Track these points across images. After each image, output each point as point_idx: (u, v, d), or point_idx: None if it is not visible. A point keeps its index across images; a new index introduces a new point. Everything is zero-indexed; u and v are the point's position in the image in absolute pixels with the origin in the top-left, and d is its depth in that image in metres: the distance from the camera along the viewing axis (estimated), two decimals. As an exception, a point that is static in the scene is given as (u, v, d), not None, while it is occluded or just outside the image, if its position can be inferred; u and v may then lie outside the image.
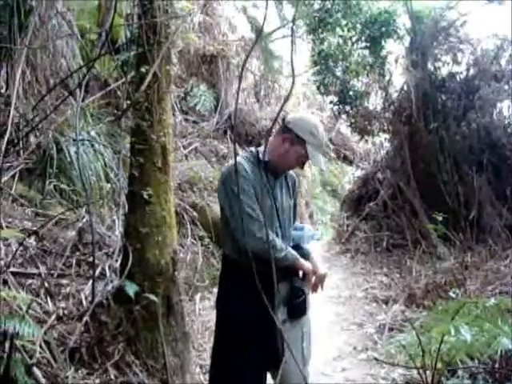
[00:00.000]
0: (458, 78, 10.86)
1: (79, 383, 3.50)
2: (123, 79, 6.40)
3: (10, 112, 4.89)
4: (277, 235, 3.04)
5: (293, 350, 2.94)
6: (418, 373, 4.17)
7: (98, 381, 3.60)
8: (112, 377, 3.72)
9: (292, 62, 2.42)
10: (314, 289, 3.12)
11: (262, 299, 2.91)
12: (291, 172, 3.30)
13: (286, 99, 3.27)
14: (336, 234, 12.69)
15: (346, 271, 9.92)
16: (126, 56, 7.08)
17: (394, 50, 11.66)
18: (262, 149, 3.15)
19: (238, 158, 3.09)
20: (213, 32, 13.18)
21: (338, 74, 12.17)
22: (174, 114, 10.11)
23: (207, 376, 4.82)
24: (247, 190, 2.94)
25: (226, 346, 3.14)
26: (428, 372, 3.88)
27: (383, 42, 11.46)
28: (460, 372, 3.98)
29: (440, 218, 8.34)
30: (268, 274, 2.91)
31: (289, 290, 3.01)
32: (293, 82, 2.50)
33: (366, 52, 11.81)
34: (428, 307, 6.52)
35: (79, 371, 3.61)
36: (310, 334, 3.23)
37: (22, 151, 5.60)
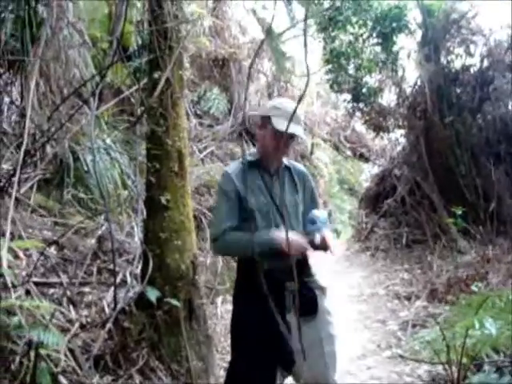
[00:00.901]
0: (471, 70, 10.79)
1: (105, 390, 3.52)
2: (136, 86, 6.43)
3: (25, 123, 4.91)
4: (274, 225, 3.02)
5: (312, 353, 2.94)
6: (444, 368, 4.16)
7: (123, 387, 3.62)
8: (137, 382, 3.73)
9: (306, 61, 2.41)
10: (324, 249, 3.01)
11: (268, 300, 2.94)
12: (298, 167, 3.27)
13: (300, 98, 3.20)
14: (355, 232, 12.67)
15: (366, 269, 9.89)
16: (138, 63, 7.12)
17: (406, 45, 11.60)
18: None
19: (235, 162, 3.18)
20: (223, 35, 13.19)
21: (351, 71, 12.12)
22: (188, 119, 10.13)
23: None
24: (228, 192, 3.01)
25: (235, 347, 3.16)
26: (453, 367, 3.85)
27: (395, 38, 11.38)
28: (486, 366, 3.94)
29: (459, 212, 8.29)
30: (277, 273, 2.93)
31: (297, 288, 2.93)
32: (307, 82, 2.49)
33: (378, 48, 11.76)
34: (451, 302, 6.49)
35: (104, 378, 3.63)
36: (334, 338, 3.14)
37: (39, 162, 5.64)
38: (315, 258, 3.26)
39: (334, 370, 3.14)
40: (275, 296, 2.88)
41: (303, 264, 3.12)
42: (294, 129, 2.92)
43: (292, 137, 3.10)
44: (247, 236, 2.84)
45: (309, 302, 3.02)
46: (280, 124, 2.96)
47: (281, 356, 2.98)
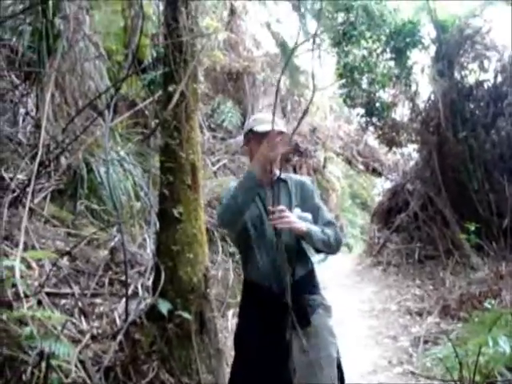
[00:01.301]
0: (485, 86, 10.78)
1: (115, 402, 3.51)
2: (151, 99, 6.47)
3: (40, 134, 4.96)
4: (268, 241, 3.00)
5: (309, 373, 2.91)
6: (456, 386, 4.12)
7: (133, 399, 3.61)
8: (147, 395, 3.73)
9: (313, 73, 2.42)
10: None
11: (267, 317, 2.94)
12: (296, 178, 3.25)
13: (306, 111, 3.21)
14: (367, 247, 12.63)
15: (378, 284, 9.84)
16: (152, 76, 7.17)
17: (420, 59, 11.62)
18: None
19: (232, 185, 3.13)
20: (238, 49, 13.29)
21: (364, 86, 12.15)
22: (201, 132, 10.18)
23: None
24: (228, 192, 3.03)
25: (235, 361, 3.17)
26: (466, 385, 3.82)
27: (408, 53, 11.41)
28: (499, 385, 3.91)
29: (472, 228, 8.26)
30: (277, 291, 2.92)
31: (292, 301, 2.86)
32: (313, 92, 2.50)
33: (392, 63, 11.79)
34: (463, 319, 6.44)
35: (114, 390, 3.63)
36: (334, 360, 3.04)
37: (53, 173, 5.68)
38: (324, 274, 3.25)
39: None
40: (275, 313, 2.89)
41: (307, 282, 3.09)
42: (271, 126, 2.87)
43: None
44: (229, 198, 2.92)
45: (299, 317, 2.89)
46: (260, 127, 3.04)
47: (278, 373, 2.94)
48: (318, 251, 3.11)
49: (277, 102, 3.10)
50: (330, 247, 3.06)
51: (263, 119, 3.10)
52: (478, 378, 3.71)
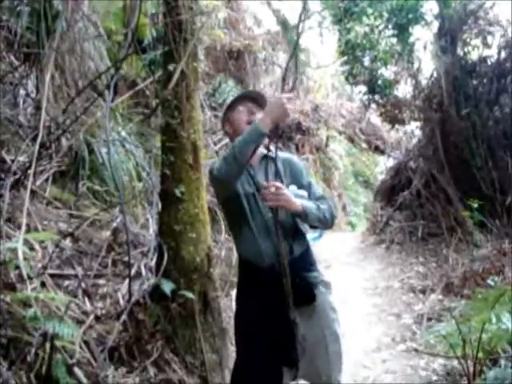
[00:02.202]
0: (489, 62, 10.67)
1: (119, 382, 3.53)
2: (151, 78, 6.44)
3: (41, 116, 4.93)
4: (264, 219, 2.98)
5: (316, 352, 2.93)
6: (459, 363, 4.14)
7: (137, 379, 3.62)
8: (151, 374, 3.74)
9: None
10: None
11: (268, 297, 2.94)
12: (283, 155, 3.19)
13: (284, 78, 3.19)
14: (370, 225, 12.63)
15: (381, 262, 9.86)
16: (152, 55, 7.12)
17: (422, 36, 11.48)
18: None
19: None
20: (238, 27, 13.18)
21: (366, 63, 12.03)
22: (203, 111, 10.13)
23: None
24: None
25: (236, 341, 3.18)
26: (469, 362, 3.83)
27: (411, 29, 11.26)
28: (502, 361, 3.92)
29: (475, 205, 8.24)
30: (275, 269, 2.92)
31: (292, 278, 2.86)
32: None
33: (394, 40, 11.65)
34: (466, 296, 6.45)
35: (119, 370, 3.64)
36: (339, 337, 3.06)
37: (54, 154, 5.66)
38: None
39: (339, 370, 3.08)
40: (276, 293, 2.88)
41: (304, 259, 3.08)
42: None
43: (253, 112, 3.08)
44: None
45: (305, 293, 2.94)
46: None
47: (284, 353, 2.95)
48: (312, 227, 3.11)
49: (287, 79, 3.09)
50: (326, 223, 3.07)
51: (241, 94, 3.20)
52: (480, 354, 3.72)
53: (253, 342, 2.98)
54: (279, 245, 2.86)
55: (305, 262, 3.06)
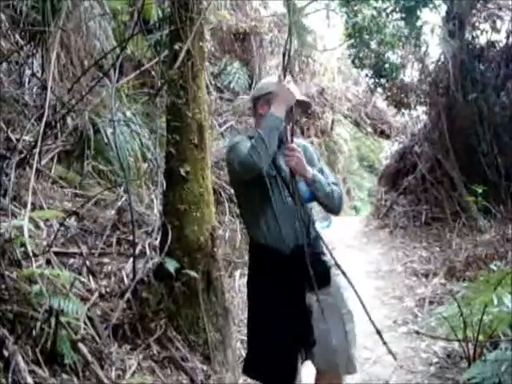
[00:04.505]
0: (497, 47, 10.60)
1: (123, 358, 3.56)
2: (157, 59, 6.42)
3: (46, 95, 4.94)
4: (285, 203, 3.03)
5: (333, 331, 2.96)
6: (460, 345, 4.17)
7: (141, 356, 3.67)
8: (155, 352, 3.78)
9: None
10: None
11: (288, 281, 2.97)
12: (299, 141, 3.24)
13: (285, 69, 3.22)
14: (374, 209, 12.63)
15: (384, 246, 9.88)
16: (158, 35, 7.09)
17: (430, 19, 11.37)
18: None
19: (237, 136, 3.20)
20: (245, 8, 13.10)
21: (373, 46, 11.94)
22: (208, 92, 10.11)
23: (248, 351, 4.88)
24: (243, 142, 3.01)
25: (254, 329, 3.18)
26: (470, 344, 3.86)
27: (418, 12, 11.15)
28: (502, 344, 3.94)
29: (480, 191, 8.22)
30: (290, 255, 2.95)
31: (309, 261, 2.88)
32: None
33: (401, 23, 11.55)
34: (469, 280, 6.46)
35: (123, 347, 3.68)
36: (353, 314, 3.15)
37: (59, 134, 5.67)
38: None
39: (355, 346, 3.17)
40: (295, 276, 2.93)
41: (319, 242, 3.12)
42: (297, 94, 3.02)
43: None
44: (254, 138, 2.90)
45: (323, 275, 3.00)
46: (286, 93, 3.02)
47: (302, 336, 3.00)
48: (322, 205, 3.15)
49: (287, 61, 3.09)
50: (333, 203, 3.12)
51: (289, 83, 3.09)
52: (481, 337, 3.75)
53: (276, 326, 2.99)
54: (300, 226, 2.93)
55: (319, 246, 3.12)
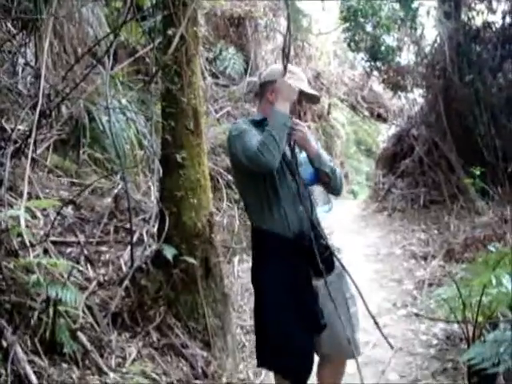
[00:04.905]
0: (493, 28, 10.56)
1: (123, 346, 3.56)
2: (151, 45, 6.37)
3: (40, 84, 4.90)
4: (289, 188, 3.03)
5: (338, 315, 2.95)
6: (459, 326, 4.17)
7: (140, 344, 3.66)
8: (154, 339, 3.78)
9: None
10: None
11: (296, 266, 2.96)
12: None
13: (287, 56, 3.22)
14: (372, 193, 12.66)
15: (383, 229, 9.90)
16: (152, 21, 7.03)
17: (426, 1, 11.33)
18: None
19: (239, 120, 3.23)
20: (239, -8, 13.01)
21: (369, 29, 11.89)
22: (204, 78, 10.06)
23: (248, 336, 4.91)
24: (248, 129, 3.01)
25: (266, 316, 3.09)
26: (469, 326, 3.87)
27: (414, -6, 11.13)
28: (501, 325, 3.94)
29: (478, 173, 8.23)
30: (296, 241, 2.95)
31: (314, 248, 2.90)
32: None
33: (397, 5, 11.50)
34: (467, 262, 6.48)
35: (122, 335, 3.67)
36: (355, 298, 3.14)
37: (54, 122, 5.63)
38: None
39: (358, 329, 3.18)
40: (302, 261, 2.93)
41: (321, 228, 3.13)
42: (304, 86, 3.11)
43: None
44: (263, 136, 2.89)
45: (328, 260, 3.01)
46: (298, 85, 3.05)
47: (313, 320, 2.99)
48: (324, 185, 3.18)
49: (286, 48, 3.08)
50: (336, 178, 3.12)
51: (300, 76, 3.16)
52: (480, 318, 3.75)
53: (289, 314, 2.97)
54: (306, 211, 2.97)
55: (321, 230, 3.12)
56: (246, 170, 2.99)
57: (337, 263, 3.08)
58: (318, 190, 3.29)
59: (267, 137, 2.83)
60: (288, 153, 3.03)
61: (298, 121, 3.04)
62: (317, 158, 3.04)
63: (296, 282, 2.98)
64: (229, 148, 3.11)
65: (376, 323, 2.70)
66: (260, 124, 3.08)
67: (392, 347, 3.04)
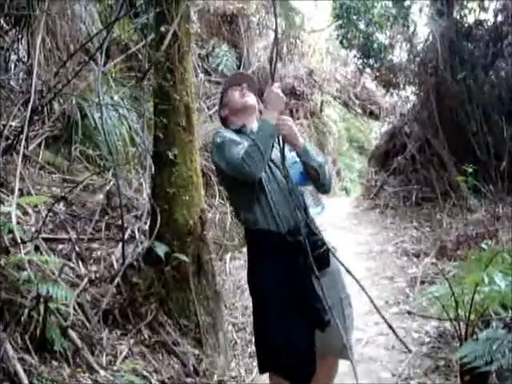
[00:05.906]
0: (485, 26, 10.57)
1: (114, 344, 3.55)
2: (143, 42, 6.35)
3: (32, 80, 4.88)
4: (279, 183, 3.01)
5: (335, 314, 2.92)
6: (452, 324, 4.18)
7: (132, 341, 3.65)
8: (146, 337, 3.77)
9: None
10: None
11: (291, 263, 2.93)
12: None
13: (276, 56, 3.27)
14: (364, 190, 12.66)
15: (375, 226, 9.90)
16: (144, 18, 7.02)
17: (418, -1, 11.36)
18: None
19: (221, 130, 3.18)
20: (231, -10, 12.99)
21: (361, 27, 11.88)
22: (196, 75, 10.04)
23: (240, 334, 4.90)
24: (233, 139, 3.00)
25: (265, 317, 3.03)
26: (461, 323, 3.87)
27: (407, -8, 11.15)
28: (494, 323, 3.95)
29: (470, 170, 8.23)
30: (290, 236, 2.93)
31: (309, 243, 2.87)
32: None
33: (389, 3, 11.51)
34: (460, 259, 6.49)
35: (113, 332, 3.67)
36: (350, 298, 3.13)
37: (46, 119, 5.61)
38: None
39: (352, 331, 3.17)
40: (297, 258, 2.90)
41: (315, 224, 3.11)
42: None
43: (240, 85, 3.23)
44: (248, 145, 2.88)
45: (323, 257, 2.98)
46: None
47: (315, 317, 2.94)
48: (314, 182, 3.13)
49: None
50: (325, 175, 3.09)
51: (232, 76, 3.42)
52: (473, 316, 3.75)
53: (289, 312, 2.93)
54: (298, 208, 2.96)
55: (315, 227, 3.09)
56: (230, 176, 2.98)
57: (333, 261, 3.05)
58: (308, 192, 3.27)
59: (252, 147, 2.81)
60: (277, 147, 2.99)
61: (284, 116, 3.02)
62: (304, 151, 3.02)
63: (294, 279, 2.93)
64: (212, 156, 3.11)
65: (390, 327, 2.67)
66: (239, 131, 3.11)
67: (410, 351, 3.01)
